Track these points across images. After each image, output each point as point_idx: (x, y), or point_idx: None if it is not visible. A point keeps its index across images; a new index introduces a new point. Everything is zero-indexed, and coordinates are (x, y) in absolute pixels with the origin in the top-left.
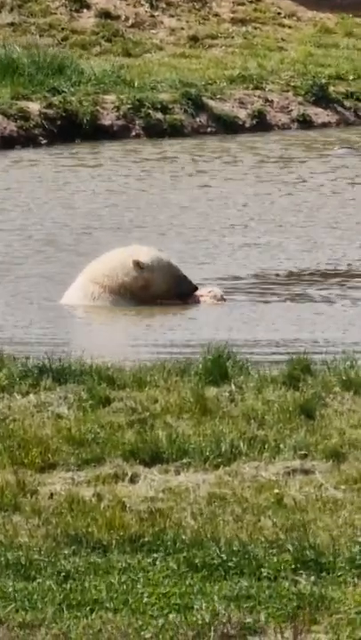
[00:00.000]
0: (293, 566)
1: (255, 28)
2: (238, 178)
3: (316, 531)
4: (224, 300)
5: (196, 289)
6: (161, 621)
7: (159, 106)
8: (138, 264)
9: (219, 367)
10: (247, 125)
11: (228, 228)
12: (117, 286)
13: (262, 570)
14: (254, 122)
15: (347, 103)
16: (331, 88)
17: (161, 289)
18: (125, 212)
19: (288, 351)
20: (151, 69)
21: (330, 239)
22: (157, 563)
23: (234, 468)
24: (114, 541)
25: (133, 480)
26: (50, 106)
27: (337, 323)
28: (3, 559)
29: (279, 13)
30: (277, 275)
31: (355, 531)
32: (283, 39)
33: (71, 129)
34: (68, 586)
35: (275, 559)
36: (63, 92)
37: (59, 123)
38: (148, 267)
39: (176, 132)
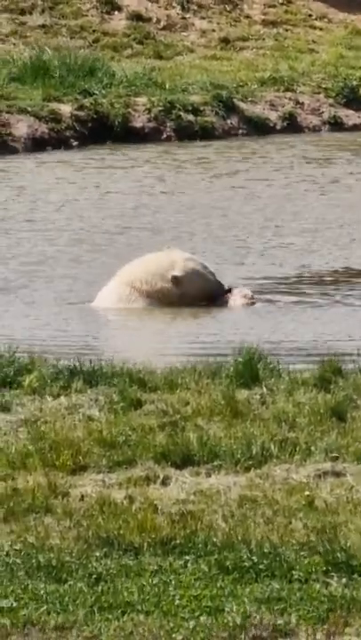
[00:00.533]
0: (324, 568)
1: (286, 30)
2: (271, 178)
3: (347, 533)
4: (254, 301)
5: (227, 291)
6: (192, 624)
7: (190, 108)
8: (176, 279)
9: (250, 369)
10: (278, 127)
11: (260, 229)
12: (155, 292)
13: (293, 572)
14: (285, 124)
15: None
16: None
17: (195, 297)
18: (157, 214)
19: (320, 353)
20: (182, 71)
21: None
22: (189, 565)
23: (265, 470)
24: (145, 544)
25: (165, 482)
26: (81, 108)
27: None
28: (34, 561)
29: (310, 15)
30: (310, 276)
31: None
32: (314, 41)
33: (102, 131)
34: (100, 588)
35: (306, 561)
36: (94, 94)
37: (90, 125)
38: (185, 280)
39: (207, 134)
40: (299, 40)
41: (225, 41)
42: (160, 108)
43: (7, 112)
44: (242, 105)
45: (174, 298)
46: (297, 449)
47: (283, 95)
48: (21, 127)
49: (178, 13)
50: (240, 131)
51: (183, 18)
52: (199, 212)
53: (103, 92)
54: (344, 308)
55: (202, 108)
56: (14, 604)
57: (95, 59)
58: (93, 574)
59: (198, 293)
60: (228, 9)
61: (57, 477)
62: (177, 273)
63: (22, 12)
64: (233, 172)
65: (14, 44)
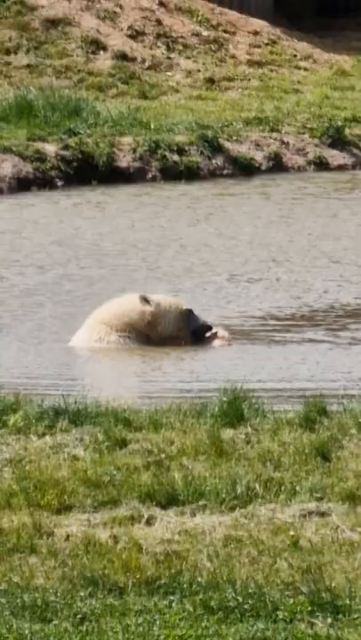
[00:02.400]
0: (310, 609)
1: (271, 71)
2: (255, 217)
3: (332, 573)
4: (230, 342)
5: (210, 328)
6: None
7: (175, 148)
8: (145, 298)
9: (235, 409)
10: (263, 167)
11: (241, 268)
12: (124, 325)
13: (278, 612)
14: (270, 164)
15: None
16: (347, 130)
17: (169, 327)
18: (140, 253)
19: (304, 393)
20: (168, 111)
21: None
22: (174, 605)
23: (250, 510)
24: (130, 583)
25: (150, 522)
26: (66, 147)
27: (353, 364)
28: (19, 601)
29: (295, 56)
30: (293, 314)
31: None
32: (299, 81)
33: (87, 171)
34: (85, 628)
35: (291, 601)
36: (79, 133)
37: (75, 164)
38: (155, 302)
39: (192, 174)
40: (284, 80)
41: (210, 81)
42: (145, 148)
43: None
44: (227, 145)
45: (145, 328)
46: (282, 489)
47: (268, 135)
48: (6, 167)
49: (163, 53)
50: (225, 171)
51: (168, 58)
52: (183, 251)
53: (88, 131)
54: (328, 346)
55: (187, 148)
56: None
57: (80, 98)
58: (78, 614)
59: (176, 324)
60: (213, 49)
61: (42, 517)
62: (147, 295)
63: (7, 52)
64: (219, 211)
65: None
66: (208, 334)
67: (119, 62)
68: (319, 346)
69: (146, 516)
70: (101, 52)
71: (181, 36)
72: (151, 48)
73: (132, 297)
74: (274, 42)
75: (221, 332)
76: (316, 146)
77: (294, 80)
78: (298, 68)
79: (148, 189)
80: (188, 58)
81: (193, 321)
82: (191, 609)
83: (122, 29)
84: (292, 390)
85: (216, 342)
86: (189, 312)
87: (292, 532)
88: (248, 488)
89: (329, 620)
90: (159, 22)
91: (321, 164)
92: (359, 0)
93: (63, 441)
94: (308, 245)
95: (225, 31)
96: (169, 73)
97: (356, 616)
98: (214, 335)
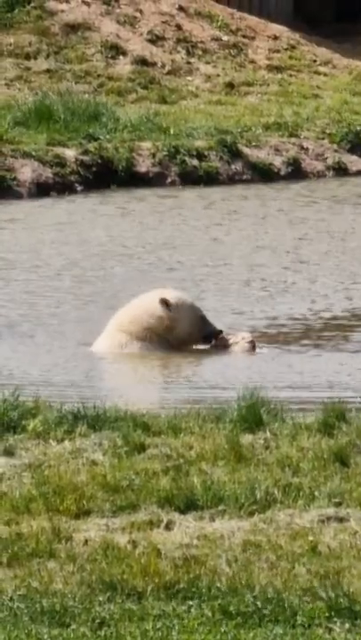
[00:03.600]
0: (328, 614)
1: (291, 76)
2: (275, 224)
3: (350, 578)
4: (254, 347)
5: (220, 332)
6: None
7: (195, 153)
8: (165, 302)
9: (253, 414)
10: (282, 173)
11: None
12: (143, 331)
13: (297, 617)
14: (289, 169)
15: None
16: None
17: (185, 330)
18: (162, 259)
19: (322, 398)
20: (187, 116)
21: None
22: (192, 610)
23: (268, 515)
24: (149, 588)
25: (168, 527)
26: (85, 152)
27: None
28: (38, 606)
29: (315, 61)
30: (315, 319)
31: None
32: (318, 87)
33: (107, 175)
34: (103, 633)
35: (309, 607)
36: (99, 138)
37: (94, 169)
38: (174, 305)
39: (211, 179)
40: (303, 85)
41: (230, 86)
42: (164, 153)
43: (12, 157)
44: (246, 150)
45: (164, 332)
46: (301, 494)
47: (287, 140)
48: (26, 172)
49: (183, 58)
50: (244, 176)
51: (188, 62)
52: (205, 257)
53: (108, 136)
54: (347, 353)
55: (206, 153)
56: None
57: (100, 103)
58: (97, 619)
59: (188, 326)
60: (232, 54)
61: (61, 522)
62: (167, 297)
63: (27, 57)
64: (241, 216)
65: (19, 89)
66: (219, 339)
67: (139, 67)
68: (340, 352)
69: (165, 521)
70: (121, 57)
71: (201, 41)
72: (171, 53)
73: (150, 299)
74: (293, 47)
75: (245, 336)
76: (336, 151)
77: (313, 85)
78: (317, 73)
79: (167, 193)
80: (207, 63)
81: (206, 326)
82: (210, 614)
83: (141, 34)
84: (312, 395)
85: (240, 347)
86: (202, 313)
87: (310, 538)
88: (267, 493)
89: (347, 626)
90: (179, 27)
91: (340, 170)
92: None
93: (82, 446)
94: (330, 250)
95: (244, 36)
96: (188, 78)
97: None
98: (226, 340)
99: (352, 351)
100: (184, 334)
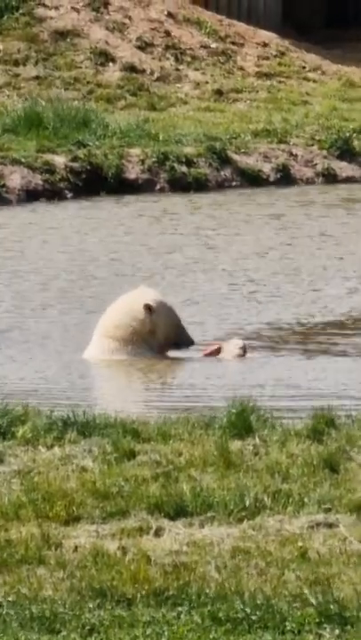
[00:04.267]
0: (317, 620)
1: (280, 82)
2: (264, 229)
3: (340, 585)
4: (245, 352)
5: (192, 343)
6: None
7: (184, 159)
8: (149, 307)
9: (243, 421)
10: (271, 179)
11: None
12: (129, 335)
13: (286, 623)
14: (278, 176)
15: None
16: (355, 142)
17: (163, 334)
18: (151, 265)
19: (312, 405)
20: (176, 123)
21: None
22: (182, 616)
23: (258, 521)
24: (138, 595)
25: (158, 533)
26: (75, 159)
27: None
28: (27, 612)
29: (304, 67)
30: (305, 324)
31: None
32: (307, 93)
33: (96, 182)
34: (93, 639)
35: (298, 613)
36: (88, 145)
37: (84, 176)
38: (155, 309)
39: (200, 185)
40: (292, 92)
41: (218, 92)
42: (154, 160)
43: (1, 163)
44: (235, 157)
45: (147, 336)
46: (290, 500)
47: (276, 147)
48: (15, 178)
49: (172, 65)
50: (233, 182)
51: (177, 69)
52: (193, 262)
53: (97, 143)
54: (337, 358)
55: (195, 160)
56: None
57: (89, 110)
58: (87, 625)
59: (165, 330)
60: (221, 61)
61: (50, 528)
62: (148, 300)
63: (16, 64)
64: (229, 222)
65: (8, 96)
66: (223, 346)
67: (128, 74)
68: (329, 357)
69: (154, 528)
70: (110, 64)
71: (190, 48)
72: (160, 60)
73: (132, 302)
74: (282, 53)
75: (237, 342)
76: (325, 157)
77: (303, 92)
78: (306, 79)
79: (156, 200)
80: (196, 69)
81: (182, 330)
82: (199, 620)
83: (130, 41)
84: (300, 401)
85: (232, 352)
86: (180, 320)
87: (300, 544)
88: (256, 499)
89: (337, 632)
90: (168, 34)
91: (329, 176)
92: None
93: (72, 452)
94: (320, 255)
95: (233, 43)
96: (178, 85)
97: None
98: (230, 346)
99: (343, 356)
100: (162, 338)
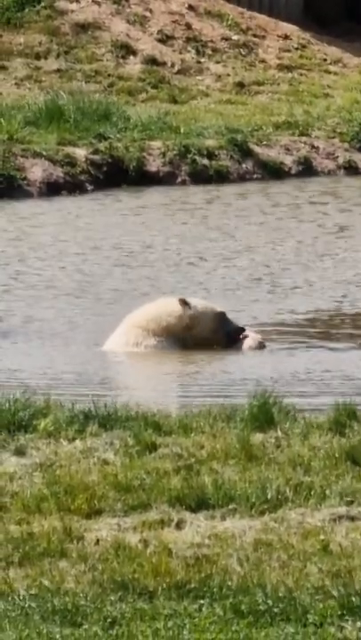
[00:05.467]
0: (339, 612)
1: (301, 75)
2: (284, 222)
3: None
4: (264, 345)
5: (243, 330)
6: None
7: (205, 152)
8: (184, 301)
9: (265, 413)
10: (293, 172)
11: (277, 272)
12: (161, 329)
13: (308, 616)
14: (300, 168)
15: None
16: None
17: (206, 329)
18: (172, 258)
19: (335, 397)
20: (197, 115)
21: None
22: (203, 609)
23: (280, 514)
24: (160, 588)
25: (179, 526)
26: (96, 152)
27: None
28: (49, 605)
29: (325, 60)
30: (325, 318)
31: None
32: (328, 86)
33: (117, 175)
34: (115, 632)
35: (321, 605)
36: (109, 138)
37: (105, 169)
38: (193, 304)
39: (222, 178)
40: (313, 85)
41: (240, 85)
42: (175, 152)
43: (22, 156)
44: (257, 149)
45: (182, 331)
46: (312, 493)
47: (298, 139)
48: (36, 171)
49: (193, 57)
50: (255, 175)
51: (198, 62)
52: (213, 254)
53: (118, 136)
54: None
55: (217, 152)
56: None
57: (110, 103)
58: (108, 618)
59: (208, 324)
60: (243, 53)
61: (72, 521)
62: (185, 299)
63: (37, 57)
64: (250, 214)
65: (29, 89)
66: (242, 336)
67: (149, 67)
68: (352, 350)
69: (176, 520)
70: (131, 57)
71: (211, 41)
72: (181, 52)
73: (169, 300)
74: (304, 46)
75: (253, 335)
76: (346, 150)
77: (324, 84)
78: (328, 72)
79: (178, 193)
80: (217, 62)
81: (227, 324)
82: (221, 613)
83: (151, 34)
84: (322, 393)
85: (248, 345)
86: (223, 315)
87: (322, 537)
88: (278, 492)
89: (359, 624)
90: (189, 26)
91: (351, 168)
92: None
93: (93, 445)
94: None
95: (255, 35)
96: (199, 77)
97: None
98: (246, 337)
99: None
100: (203, 334)
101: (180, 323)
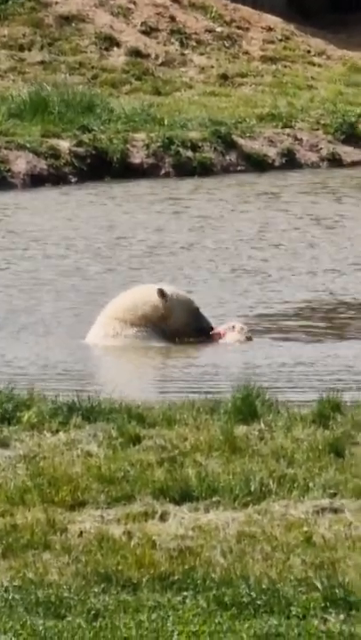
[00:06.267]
0: (323, 605)
1: (285, 67)
2: (267, 213)
3: (345, 569)
4: (250, 337)
5: (212, 328)
6: None
7: (189, 144)
8: (162, 292)
9: (248, 406)
10: (276, 164)
11: (258, 262)
12: (138, 319)
13: (292, 608)
14: (284, 160)
15: None
16: (360, 126)
17: (179, 321)
18: (154, 249)
19: (317, 389)
20: (181, 107)
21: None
22: (187, 601)
23: (263, 506)
24: (144, 579)
25: (163, 518)
26: (80, 144)
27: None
28: (33, 597)
29: (309, 52)
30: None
31: None
32: (312, 77)
33: (101, 167)
34: (98, 624)
35: (304, 597)
36: (93, 130)
37: (89, 161)
38: (169, 296)
39: (205, 170)
40: (297, 76)
41: (224, 77)
42: (159, 144)
43: (6, 148)
44: (240, 141)
45: (158, 321)
46: (295, 485)
47: (281, 131)
48: (20, 163)
49: (176, 49)
50: (238, 167)
51: (182, 54)
52: (196, 246)
53: (102, 128)
54: (343, 342)
55: (200, 144)
56: None
57: (94, 95)
58: (92, 610)
59: (182, 317)
60: (226, 45)
61: (55, 513)
62: (163, 289)
63: (21, 49)
64: (233, 206)
65: (13, 81)
66: (221, 329)
67: (133, 58)
68: (334, 341)
69: (159, 512)
70: (115, 49)
71: (195, 33)
72: (165, 44)
73: (144, 289)
74: (287, 38)
75: (239, 327)
76: (330, 142)
77: (308, 76)
78: (311, 64)
79: (162, 185)
80: (201, 54)
81: (199, 319)
82: (205, 605)
83: (135, 26)
84: (306, 386)
85: (235, 337)
86: (197, 310)
87: (305, 529)
88: (261, 484)
89: (342, 616)
90: (173, 18)
91: (334, 160)
92: None
93: (77, 437)
94: (321, 239)
95: (238, 27)
96: (182, 69)
97: None
98: (233, 331)
99: (343, 339)
100: (177, 325)
101: (156, 312)
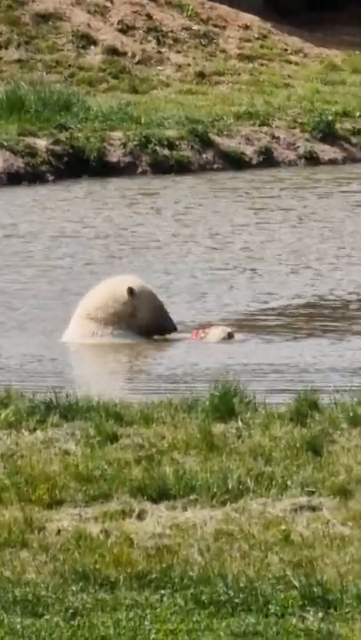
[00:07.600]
0: (301, 603)
1: (262, 65)
2: (243, 212)
3: (323, 567)
4: (229, 335)
5: (175, 329)
6: None
7: (166, 142)
8: (131, 290)
9: (226, 404)
10: (254, 162)
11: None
12: (110, 316)
13: (270, 606)
14: (261, 158)
15: (353, 140)
16: (337, 125)
17: (144, 318)
18: (130, 247)
19: (296, 387)
20: (158, 106)
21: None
22: (165, 599)
23: (241, 504)
24: (121, 578)
25: (141, 516)
26: (57, 142)
27: (344, 358)
28: (10, 595)
29: (286, 50)
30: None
31: None
32: (289, 76)
33: (78, 165)
34: (76, 622)
35: (282, 595)
36: (70, 128)
37: (65, 159)
38: (136, 293)
39: (183, 168)
40: (274, 75)
41: (200, 75)
42: (136, 143)
43: None
44: (217, 139)
45: (128, 318)
46: (273, 483)
47: (258, 130)
48: None
49: (153, 47)
50: (216, 165)
51: (159, 52)
52: (173, 245)
53: (79, 126)
54: (320, 340)
55: (177, 143)
56: None
57: (71, 93)
58: (70, 609)
59: (147, 314)
60: (203, 43)
61: (33, 512)
62: (132, 285)
63: None
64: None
65: None
66: (207, 331)
67: (109, 57)
68: (313, 339)
69: (137, 511)
70: (92, 47)
71: (172, 31)
72: (141, 42)
73: (112, 284)
74: (264, 36)
75: (220, 325)
76: (307, 140)
77: (285, 74)
78: (288, 62)
79: (138, 183)
80: (178, 52)
81: (163, 319)
82: (182, 603)
83: (112, 24)
84: (284, 383)
85: (215, 336)
86: (161, 308)
87: (283, 527)
88: (239, 482)
89: (320, 615)
90: (149, 17)
91: (312, 159)
92: None
93: (54, 436)
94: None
95: (215, 25)
96: (159, 67)
97: (347, 610)
98: (215, 330)
99: (329, 338)
100: (142, 322)
101: (126, 309)
